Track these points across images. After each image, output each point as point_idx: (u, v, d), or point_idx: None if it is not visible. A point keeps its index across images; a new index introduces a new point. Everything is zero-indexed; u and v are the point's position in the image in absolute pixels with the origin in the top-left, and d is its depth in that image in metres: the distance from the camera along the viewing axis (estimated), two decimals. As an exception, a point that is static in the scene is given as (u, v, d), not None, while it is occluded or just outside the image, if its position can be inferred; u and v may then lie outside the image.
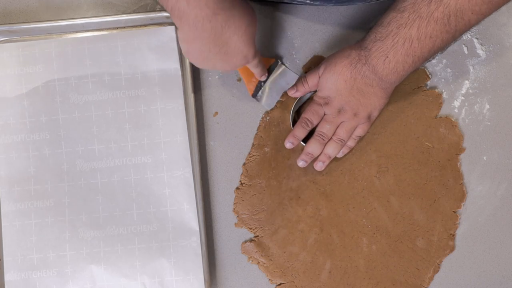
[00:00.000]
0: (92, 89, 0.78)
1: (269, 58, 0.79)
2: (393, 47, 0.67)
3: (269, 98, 0.79)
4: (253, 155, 0.79)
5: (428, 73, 0.81)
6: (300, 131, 0.76)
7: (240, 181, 0.79)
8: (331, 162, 0.78)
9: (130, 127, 0.77)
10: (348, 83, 0.71)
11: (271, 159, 0.79)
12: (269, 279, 0.77)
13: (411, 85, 0.80)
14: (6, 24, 0.78)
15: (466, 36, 0.82)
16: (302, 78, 0.76)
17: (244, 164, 0.79)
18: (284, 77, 0.79)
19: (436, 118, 0.80)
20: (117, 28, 0.79)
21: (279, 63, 0.79)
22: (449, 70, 0.81)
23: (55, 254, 0.75)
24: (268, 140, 0.79)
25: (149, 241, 0.76)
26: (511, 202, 0.80)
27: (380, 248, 0.78)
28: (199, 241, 0.76)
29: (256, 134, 0.79)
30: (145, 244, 0.76)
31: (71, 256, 0.76)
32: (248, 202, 0.78)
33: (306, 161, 0.77)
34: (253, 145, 0.79)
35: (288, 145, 0.76)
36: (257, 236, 0.78)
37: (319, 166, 0.77)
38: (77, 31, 0.79)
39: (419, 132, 0.79)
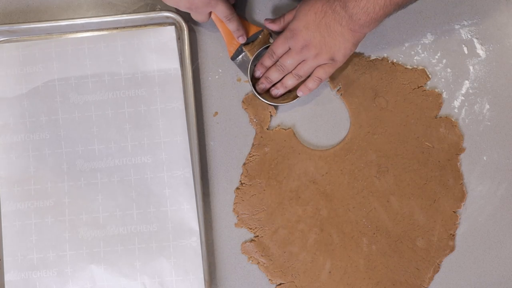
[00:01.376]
0: (92, 89, 0.78)
1: (255, 25, 0.79)
2: None
3: (246, 68, 0.78)
4: (253, 155, 0.79)
5: (428, 73, 0.81)
6: (267, 61, 0.77)
7: (240, 181, 0.79)
8: (331, 162, 0.78)
9: (130, 127, 0.77)
10: (317, 16, 0.70)
11: (271, 159, 0.79)
12: (269, 279, 0.77)
13: (411, 85, 0.80)
14: (6, 24, 0.78)
15: (466, 36, 0.82)
16: (282, 15, 0.77)
17: (244, 164, 0.79)
18: None
19: (436, 118, 0.80)
20: (117, 28, 0.79)
21: (268, 36, 0.79)
22: (449, 70, 0.81)
23: (55, 254, 0.75)
24: (268, 140, 0.79)
25: (149, 241, 0.76)
26: (511, 202, 0.80)
27: (380, 248, 0.78)
28: (199, 241, 0.76)
29: (256, 134, 0.79)
30: (145, 244, 0.76)
31: (71, 256, 0.75)
32: (248, 202, 0.78)
33: (265, 85, 0.77)
34: (253, 145, 0.79)
35: (257, 73, 0.78)
36: (257, 236, 0.78)
37: (274, 92, 0.78)
38: (77, 31, 0.79)
39: (419, 132, 0.79)
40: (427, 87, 0.81)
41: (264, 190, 0.78)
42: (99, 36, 0.78)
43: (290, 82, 0.76)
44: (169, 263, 0.76)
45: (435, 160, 0.79)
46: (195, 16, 0.75)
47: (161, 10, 0.80)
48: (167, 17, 0.78)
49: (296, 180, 0.78)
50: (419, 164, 0.79)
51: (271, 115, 0.80)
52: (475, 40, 0.82)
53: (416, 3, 0.82)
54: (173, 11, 0.78)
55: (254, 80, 0.79)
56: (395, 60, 0.81)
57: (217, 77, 0.80)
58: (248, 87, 0.80)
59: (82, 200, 0.76)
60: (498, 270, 0.79)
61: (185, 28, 0.78)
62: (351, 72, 0.80)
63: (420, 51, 0.82)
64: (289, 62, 0.74)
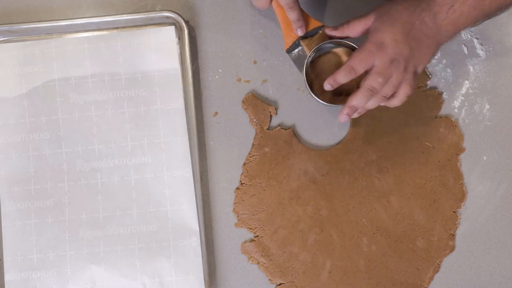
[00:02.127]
0: (92, 89, 0.78)
1: (316, 20, 0.73)
2: None
3: (302, 63, 0.73)
4: (253, 155, 0.79)
5: (428, 73, 0.81)
6: (342, 77, 0.67)
7: (240, 181, 0.79)
8: (331, 162, 0.78)
9: (130, 127, 0.77)
10: (405, 27, 0.64)
11: (271, 159, 0.79)
12: (269, 279, 0.77)
13: (411, 85, 0.80)
14: (6, 24, 0.78)
15: (466, 36, 0.82)
16: (344, 22, 0.70)
17: (244, 164, 0.79)
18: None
19: (436, 118, 0.80)
20: (117, 28, 0.79)
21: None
22: (449, 70, 0.81)
23: (55, 254, 0.75)
24: (268, 140, 0.79)
25: (149, 241, 0.76)
26: (511, 202, 0.80)
27: (380, 248, 0.78)
28: (199, 241, 0.76)
29: (256, 134, 0.79)
30: (145, 244, 0.76)
31: (71, 256, 0.75)
32: (248, 202, 0.78)
33: (349, 115, 0.69)
34: (253, 145, 0.79)
35: (327, 87, 0.68)
36: (257, 236, 0.78)
37: (344, 118, 0.69)
38: (77, 31, 0.79)
39: (419, 132, 0.79)
40: (427, 87, 0.81)
41: (264, 190, 0.78)
42: (99, 36, 0.78)
43: (372, 104, 0.68)
44: (169, 263, 0.76)
45: (435, 160, 0.79)
46: (256, 2, 0.70)
47: (161, 10, 0.80)
48: (167, 17, 0.78)
49: (296, 180, 0.78)
50: (419, 164, 0.79)
51: (271, 115, 0.80)
52: (475, 40, 0.82)
53: (416, 3, 0.82)
54: (173, 11, 0.78)
55: (309, 78, 0.74)
56: (395, 60, 0.81)
57: (217, 77, 0.80)
58: (249, 86, 0.80)
59: (82, 200, 0.76)
60: (498, 270, 0.79)
61: (185, 28, 0.78)
62: (351, 72, 0.80)
63: (420, 51, 0.81)
64: (380, 80, 0.65)
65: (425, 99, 0.80)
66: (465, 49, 0.82)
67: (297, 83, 0.81)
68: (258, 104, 0.79)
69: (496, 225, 0.79)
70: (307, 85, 0.73)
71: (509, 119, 0.81)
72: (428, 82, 0.81)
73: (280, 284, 0.77)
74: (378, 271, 0.78)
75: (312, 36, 0.73)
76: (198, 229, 0.76)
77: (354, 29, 0.69)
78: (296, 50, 0.75)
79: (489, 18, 0.67)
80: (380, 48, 0.65)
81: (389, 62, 0.65)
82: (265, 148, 0.79)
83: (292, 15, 0.70)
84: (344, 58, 0.74)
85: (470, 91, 0.81)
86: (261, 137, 0.79)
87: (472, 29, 0.82)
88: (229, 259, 0.78)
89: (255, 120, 0.79)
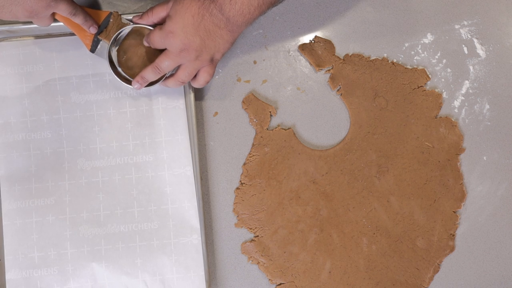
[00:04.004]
0: (93, 88, 0.78)
1: (102, 11, 0.75)
2: None
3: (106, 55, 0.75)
4: (253, 155, 0.79)
5: (428, 73, 0.81)
6: (145, 43, 0.73)
7: (240, 181, 0.79)
8: (331, 162, 0.78)
9: (131, 126, 0.78)
10: (195, 19, 0.68)
11: (271, 159, 0.79)
12: (269, 279, 0.77)
13: (411, 85, 0.80)
14: (6, 24, 0.78)
15: (466, 36, 0.82)
16: (149, 9, 0.73)
17: (244, 164, 0.79)
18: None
19: (436, 118, 0.80)
20: (117, 28, 0.79)
21: (119, 17, 0.75)
22: (449, 70, 0.81)
23: (56, 252, 0.75)
24: (268, 140, 0.79)
25: (150, 238, 0.76)
26: (511, 202, 0.80)
27: (380, 248, 0.78)
28: (200, 238, 0.76)
29: (256, 134, 0.79)
30: (146, 242, 0.76)
31: (72, 254, 0.76)
32: (248, 202, 0.78)
33: (141, 84, 0.73)
34: (253, 145, 0.79)
35: (136, 85, 0.73)
36: (257, 236, 0.78)
37: (136, 85, 0.74)
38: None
39: (419, 132, 0.79)
40: (427, 87, 0.81)
41: (264, 190, 0.78)
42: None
43: (171, 85, 0.74)
44: (170, 260, 0.76)
45: (435, 160, 0.79)
46: (38, 23, 0.72)
47: (161, 10, 0.80)
48: (167, 17, 0.78)
49: (296, 180, 0.78)
50: (419, 164, 0.79)
51: (271, 115, 0.80)
52: (475, 40, 0.82)
53: (416, 3, 0.82)
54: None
55: (120, 64, 0.75)
56: (395, 60, 0.81)
57: (217, 77, 0.80)
58: (249, 86, 0.80)
59: (83, 199, 0.76)
60: (498, 270, 0.79)
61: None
62: (351, 72, 0.80)
63: (420, 51, 0.82)
64: (166, 63, 0.71)
65: (425, 99, 0.80)
66: (465, 49, 0.82)
67: (297, 83, 0.81)
68: (258, 104, 0.79)
69: (496, 225, 0.80)
70: (112, 72, 0.74)
71: (509, 119, 0.81)
72: (428, 82, 0.81)
73: (280, 284, 0.78)
74: (378, 271, 0.78)
75: (106, 27, 0.75)
76: (199, 227, 0.76)
77: (158, 16, 0.72)
78: (99, 46, 0.76)
79: (274, 5, 0.74)
80: (171, 37, 0.69)
81: (179, 50, 0.69)
82: (265, 148, 0.79)
83: (78, 20, 0.72)
84: (146, 31, 0.75)
85: (470, 91, 0.81)
86: (261, 137, 0.79)
87: (472, 29, 0.82)
88: (229, 259, 0.78)
89: (255, 120, 0.79)
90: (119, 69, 0.75)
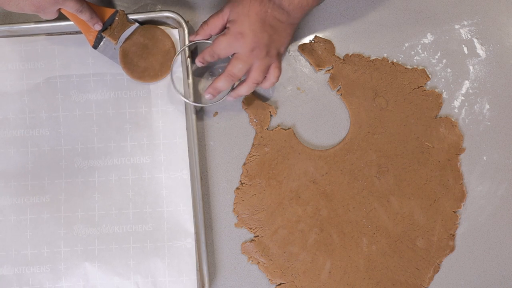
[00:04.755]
0: (93, 88, 0.78)
1: (107, 8, 0.75)
2: None
3: (112, 54, 0.76)
4: (253, 155, 0.79)
5: (428, 73, 0.81)
6: (208, 57, 0.73)
7: (240, 181, 0.79)
8: (331, 162, 0.78)
9: (130, 127, 0.77)
10: (260, 16, 0.69)
11: (271, 159, 0.79)
12: (269, 279, 0.77)
13: (411, 85, 0.80)
14: (6, 24, 0.78)
15: (466, 36, 0.82)
16: (203, 23, 0.74)
17: (244, 164, 0.79)
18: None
19: (436, 118, 0.80)
20: (117, 28, 0.79)
21: (125, 16, 0.75)
22: (449, 70, 0.81)
23: (49, 250, 0.75)
24: (268, 140, 0.79)
25: (144, 240, 0.76)
26: (511, 202, 0.80)
27: (380, 248, 0.78)
28: (193, 242, 0.76)
29: (256, 134, 0.79)
30: (140, 244, 0.76)
31: (65, 253, 0.75)
32: (248, 202, 0.78)
33: (213, 95, 0.75)
34: (253, 145, 0.79)
35: (208, 96, 0.75)
36: (257, 236, 0.78)
37: (208, 96, 0.75)
38: (77, 31, 0.79)
39: (419, 132, 0.79)
40: (427, 87, 0.81)
41: (264, 190, 0.78)
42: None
43: (245, 90, 0.74)
44: (163, 263, 0.76)
45: (435, 160, 0.79)
46: (44, 16, 0.72)
47: (161, 10, 0.80)
48: (167, 17, 0.78)
49: (296, 180, 0.78)
50: (419, 164, 0.79)
51: (271, 115, 0.80)
52: (475, 40, 0.82)
53: (416, 3, 0.82)
54: (173, 11, 0.78)
55: (124, 63, 0.76)
56: (395, 60, 0.81)
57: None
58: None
59: (79, 198, 0.76)
60: (498, 270, 0.79)
61: (185, 28, 0.78)
62: (351, 72, 0.80)
63: (420, 51, 0.82)
64: (239, 67, 0.72)
65: (425, 99, 0.80)
66: (465, 49, 0.82)
67: (297, 83, 0.81)
68: (258, 104, 0.79)
69: (496, 225, 0.79)
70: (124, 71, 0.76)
71: (509, 119, 0.81)
72: (428, 82, 0.81)
73: (280, 284, 0.77)
74: (378, 271, 0.78)
75: (110, 25, 0.75)
76: (193, 231, 0.76)
77: (214, 26, 0.73)
78: (102, 43, 0.76)
79: None
80: (240, 38, 0.70)
81: (250, 51, 0.71)
82: (265, 148, 0.79)
83: (85, 17, 0.72)
84: (150, 29, 0.77)
85: (470, 91, 0.81)
86: (261, 137, 0.79)
87: (472, 29, 0.82)
88: (229, 259, 0.78)
89: (255, 120, 0.79)
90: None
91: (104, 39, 0.75)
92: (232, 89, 0.76)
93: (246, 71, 0.72)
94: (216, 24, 0.73)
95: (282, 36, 0.72)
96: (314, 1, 0.71)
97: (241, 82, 0.74)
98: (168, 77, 0.78)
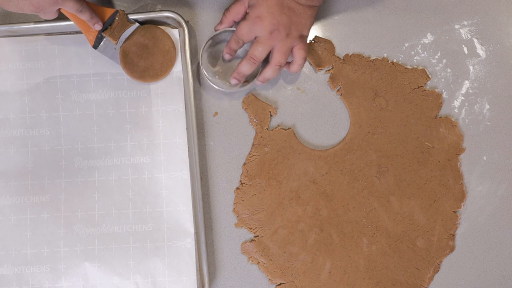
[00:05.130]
0: (94, 88, 0.78)
1: (108, 8, 0.75)
2: None
3: (112, 54, 0.76)
4: (253, 155, 0.79)
5: (428, 73, 0.81)
6: (234, 45, 0.75)
7: (240, 181, 0.79)
8: (331, 162, 0.78)
9: (130, 127, 0.77)
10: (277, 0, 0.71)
11: (271, 159, 0.79)
12: (269, 279, 0.77)
13: (411, 85, 0.80)
14: (6, 24, 0.78)
15: (466, 36, 0.82)
16: (225, 11, 0.76)
17: (244, 164, 0.79)
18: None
19: (436, 118, 0.80)
20: (117, 28, 0.79)
21: (125, 16, 0.75)
22: (449, 70, 0.81)
23: (49, 250, 0.75)
24: (268, 140, 0.79)
25: (143, 240, 0.76)
26: (511, 202, 0.80)
27: (380, 248, 0.78)
28: (193, 242, 0.76)
29: (256, 134, 0.79)
30: (140, 244, 0.76)
31: (65, 253, 0.75)
32: (248, 202, 0.78)
33: (238, 80, 0.76)
34: (253, 145, 0.79)
35: (233, 81, 0.76)
36: (257, 236, 0.78)
37: (234, 81, 0.77)
38: (77, 31, 0.79)
39: (419, 132, 0.79)
40: (427, 87, 0.81)
41: (264, 190, 0.78)
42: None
43: (270, 74, 0.75)
44: (163, 263, 0.75)
45: (435, 160, 0.79)
46: (43, 16, 0.72)
47: (161, 10, 0.80)
48: (167, 17, 0.78)
49: (296, 180, 0.78)
50: (419, 164, 0.79)
51: (271, 115, 0.80)
52: (475, 40, 0.82)
53: (416, 3, 0.82)
54: (173, 11, 0.78)
55: (124, 63, 0.76)
56: (395, 60, 0.81)
57: (217, 77, 0.80)
58: (249, 87, 0.80)
59: (79, 198, 0.76)
60: (498, 270, 0.79)
61: (185, 28, 0.78)
62: (351, 72, 0.80)
63: (420, 51, 0.82)
64: (260, 49, 0.73)
65: (425, 99, 0.80)
66: (465, 49, 0.82)
67: (297, 83, 0.81)
68: (258, 104, 0.79)
69: (496, 225, 0.79)
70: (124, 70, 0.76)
71: (509, 119, 0.81)
72: (428, 82, 0.81)
73: (280, 284, 0.77)
74: (378, 271, 0.78)
75: (111, 25, 0.75)
76: (193, 231, 0.76)
77: (236, 13, 0.75)
78: (102, 43, 0.76)
79: None
80: (258, 21, 0.72)
81: (269, 33, 0.72)
82: (265, 148, 0.79)
83: (85, 17, 0.72)
84: (150, 29, 0.77)
85: (470, 91, 0.81)
86: (261, 137, 0.79)
87: (472, 29, 0.82)
88: (229, 259, 0.78)
89: (255, 120, 0.79)
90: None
91: (104, 39, 0.75)
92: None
93: (267, 53, 0.74)
94: (237, 10, 0.75)
95: (302, 18, 0.72)
96: None
97: (267, 66, 0.75)
98: (167, 78, 0.78)
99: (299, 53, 0.74)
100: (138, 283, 0.75)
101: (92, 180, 0.77)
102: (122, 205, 0.76)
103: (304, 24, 0.73)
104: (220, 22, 0.77)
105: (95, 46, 0.76)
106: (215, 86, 0.77)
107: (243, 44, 0.75)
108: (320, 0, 0.73)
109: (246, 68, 0.75)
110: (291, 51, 0.74)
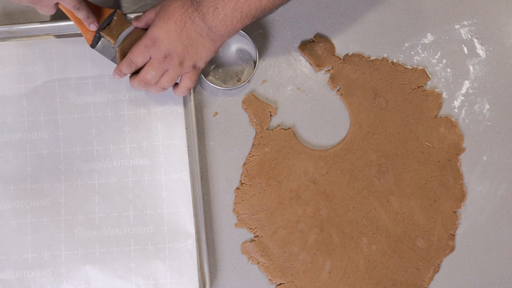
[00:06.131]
0: (92, 91, 0.78)
1: (107, 8, 0.75)
2: None
3: (110, 53, 0.76)
4: (253, 155, 0.79)
5: (428, 73, 0.81)
6: (126, 69, 0.73)
7: (240, 181, 0.79)
8: (331, 162, 0.78)
9: (129, 129, 0.77)
10: (178, 25, 0.69)
11: (271, 159, 0.79)
12: (269, 279, 0.77)
13: (411, 85, 0.80)
14: (6, 24, 0.78)
15: (466, 36, 0.82)
16: (143, 12, 0.75)
17: (244, 164, 0.79)
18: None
19: (436, 118, 0.80)
20: (117, 28, 0.79)
21: (123, 16, 0.75)
22: (449, 70, 0.81)
23: (50, 254, 0.75)
24: (268, 140, 0.79)
25: (144, 243, 0.76)
26: (511, 202, 0.80)
27: (380, 248, 0.78)
28: (194, 244, 0.76)
29: (256, 134, 0.79)
30: (141, 246, 0.76)
31: (66, 256, 0.75)
32: (248, 202, 0.78)
33: (118, 75, 0.74)
34: (253, 145, 0.79)
35: (116, 77, 0.74)
36: (257, 236, 0.78)
37: (116, 77, 0.75)
38: (77, 32, 0.79)
39: (419, 132, 0.79)
40: (427, 87, 0.81)
41: (264, 190, 0.78)
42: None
43: (152, 90, 0.74)
44: (164, 265, 0.75)
45: (435, 160, 0.79)
46: (41, 10, 0.72)
47: (161, 10, 0.80)
48: (167, 17, 0.78)
49: (296, 180, 0.78)
50: (419, 164, 0.79)
51: (271, 115, 0.80)
52: (475, 40, 0.82)
53: (416, 3, 0.82)
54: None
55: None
56: (395, 60, 0.81)
57: (217, 77, 0.80)
58: (249, 86, 0.80)
59: (79, 201, 0.76)
60: (498, 270, 0.79)
61: (185, 28, 0.77)
62: (351, 72, 0.80)
63: (420, 51, 0.82)
64: (152, 73, 0.72)
65: (425, 99, 0.80)
66: (465, 49, 0.82)
67: (297, 83, 0.81)
68: (258, 104, 0.79)
69: (496, 225, 0.79)
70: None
71: (509, 119, 0.81)
72: (428, 82, 0.81)
73: (280, 284, 0.77)
74: (378, 271, 0.78)
75: (109, 24, 0.75)
76: (194, 232, 0.76)
77: (148, 18, 0.73)
78: (100, 43, 0.75)
79: (258, 18, 0.70)
80: (154, 43, 0.70)
81: (163, 57, 0.70)
82: (265, 148, 0.79)
83: (81, 15, 0.72)
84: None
85: (470, 91, 0.81)
86: (261, 137, 0.79)
87: (472, 29, 0.82)
88: (229, 259, 0.78)
89: (255, 120, 0.79)
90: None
91: (102, 39, 0.75)
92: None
93: (158, 78, 0.72)
94: (150, 17, 0.73)
95: (199, 50, 0.70)
96: (239, 22, 0.68)
97: (153, 85, 0.73)
98: None
99: (185, 82, 0.73)
100: (140, 285, 0.75)
101: (92, 183, 0.77)
102: (123, 208, 0.76)
103: (199, 56, 0.71)
104: (139, 20, 0.74)
105: (93, 46, 0.75)
106: (212, 85, 0.78)
107: (136, 68, 0.73)
108: (224, 38, 0.70)
109: (136, 86, 0.73)
110: (178, 77, 0.73)
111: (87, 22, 0.73)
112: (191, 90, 0.76)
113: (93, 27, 0.74)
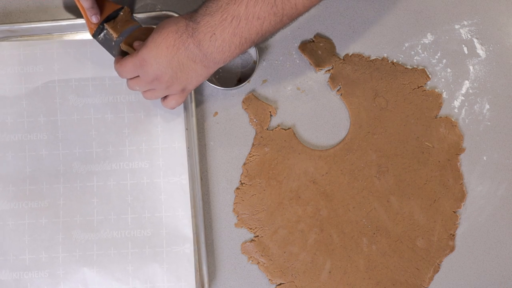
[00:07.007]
0: (92, 92, 0.78)
1: (114, 3, 0.75)
2: (221, 24, 0.63)
3: (110, 46, 0.75)
4: (253, 155, 0.79)
5: (428, 73, 0.81)
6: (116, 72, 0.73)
7: (240, 181, 0.79)
8: (331, 162, 0.78)
9: (129, 132, 0.77)
10: (169, 51, 0.66)
11: (271, 159, 0.79)
12: (269, 279, 0.77)
13: (411, 85, 0.80)
14: (6, 24, 0.78)
15: (466, 36, 0.82)
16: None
17: (244, 164, 0.79)
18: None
19: (436, 118, 0.80)
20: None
21: (129, 13, 0.75)
22: (449, 70, 0.81)
23: (47, 255, 0.75)
24: (268, 140, 0.79)
25: (142, 246, 0.76)
26: (511, 202, 0.80)
27: (380, 248, 0.78)
28: (192, 247, 0.76)
29: (256, 134, 0.79)
30: (139, 249, 0.76)
31: (63, 258, 0.75)
32: (248, 202, 0.78)
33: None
34: (253, 145, 0.79)
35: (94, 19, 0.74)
36: (257, 236, 0.78)
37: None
38: (77, 31, 0.79)
39: (419, 132, 0.79)
40: (427, 87, 0.81)
41: (264, 190, 0.78)
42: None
43: (147, 96, 0.74)
44: (162, 269, 0.75)
45: (435, 160, 0.79)
46: None
47: (161, 10, 0.80)
48: (167, 17, 0.78)
49: (296, 180, 0.78)
50: (419, 164, 0.79)
51: (271, 115, 0.80)
52: (475, 40, 0.82)
53: (416, 3, 0.82)
54: (173, 11, 0.78)
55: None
56: (395, 60, 0.81)
57: (217, 77, 0.80)
58: (249, 86, 0.80)
59: (77, 203, 0.76)
60: (498, 270, 0.79)
61: (185, 28, 0.77)
62: (351, 72, 0.80)
63: (420, 51, 0.82)
64: (138, 88, 0.72)
65: (425, 99, 0.80)
66: (465, 49, 0.82)
67: (297, 83, 0.81)
68: (258, 104, 0.79)
69: (496, 225, 0.79)
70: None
71: (509, 119, 0.81)
72: (428, 82, 0.81)
73: (280, 284, 0.77)
74: (378, 271, 0.78)
75: (114, 18, 0.74)
76: (192, 236, 0.76)
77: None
78: (102, 34, 0.75)
79: (258, 43, 0.69)
80: (143, 65, 0.68)
81: (150, 80, 0.69)
82: (265, 148, 0.79)
83: (86, 4, 0.71)
84: (152, 30, 0.74)
85: (470, 91, 0.81)
86: (261, 137, 0.79)
87: (472, 29, 0.82)
88: (229, 259, 0.78)
89: (255, 120, 0.79)
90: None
91: (105, 31, 0.75)
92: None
93: (144, 91, 0.72)
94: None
95: (189, 76, 0.69)
96: (237, 48, 0.65)
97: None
98: None
99: (170, 102, 0.73)
100: None
101: (90, 185, 0.76)
102: (121, 210, 0.76)
103: (189, 81, 0.69)
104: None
105: (95, 35, 0.75)
106: (212, 85, 0.78)
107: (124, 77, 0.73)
108: (219, 64, 0.68)
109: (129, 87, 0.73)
110: (164, 96, 0.73)
111: (90, 12, 0.72)
112: (191, 90, 0.75)
113: (95, 19, 0.73)
